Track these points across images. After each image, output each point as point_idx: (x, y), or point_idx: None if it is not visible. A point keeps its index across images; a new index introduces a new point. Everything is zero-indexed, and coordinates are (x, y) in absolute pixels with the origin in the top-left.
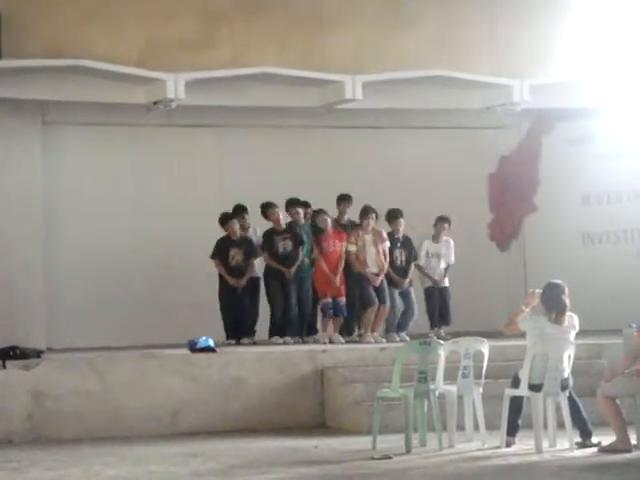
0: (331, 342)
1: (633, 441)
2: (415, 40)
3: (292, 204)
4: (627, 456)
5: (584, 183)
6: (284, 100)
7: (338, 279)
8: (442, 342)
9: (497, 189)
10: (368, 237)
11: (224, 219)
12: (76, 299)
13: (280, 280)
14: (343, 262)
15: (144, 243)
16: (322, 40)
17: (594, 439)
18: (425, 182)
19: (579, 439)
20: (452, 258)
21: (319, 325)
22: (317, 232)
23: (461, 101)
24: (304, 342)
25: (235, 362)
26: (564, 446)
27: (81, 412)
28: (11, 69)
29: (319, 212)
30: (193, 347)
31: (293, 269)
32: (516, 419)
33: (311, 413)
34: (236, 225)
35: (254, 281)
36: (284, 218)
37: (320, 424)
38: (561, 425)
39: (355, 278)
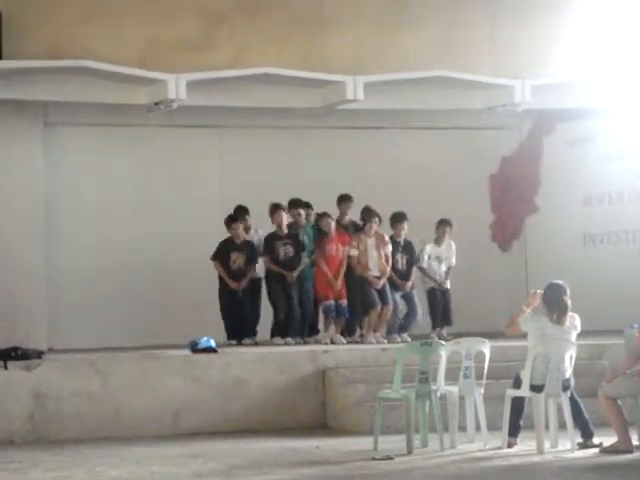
0: (332, 343)
1: (635, 442)
2: (416, 40)
3: (294, 205)
4: (629, 457)
5: (585, 183)
6: (285, 101)
7: (339, 282)
8: (443, 343)
9: (498, 190)
10: (370, 241)
11: (229, 221)
12: (77, 300)
13: (281, 283)
14: (345, 266)
15: (145, 243)
16: (323, 40)
17: (595, 440)
18: (426, 182)
19: (580, 440)
20: (453, 260)
21: (320, 326)
22: (320, 235)
23: (462, 101)
24: (305, 343)
25: (236, 363)
26: (566, 447)
27: (82, 413)
28: (12, 70)
29: (323, 215)
30: (194, 348)
31: (295, 273)
32: (518, 420)
33: (312, 414)
34: (240, 228)
35: (255, 282)
36: (286, 221)
37: (321, 425)
38: (562, 426)
39: (357, 281)
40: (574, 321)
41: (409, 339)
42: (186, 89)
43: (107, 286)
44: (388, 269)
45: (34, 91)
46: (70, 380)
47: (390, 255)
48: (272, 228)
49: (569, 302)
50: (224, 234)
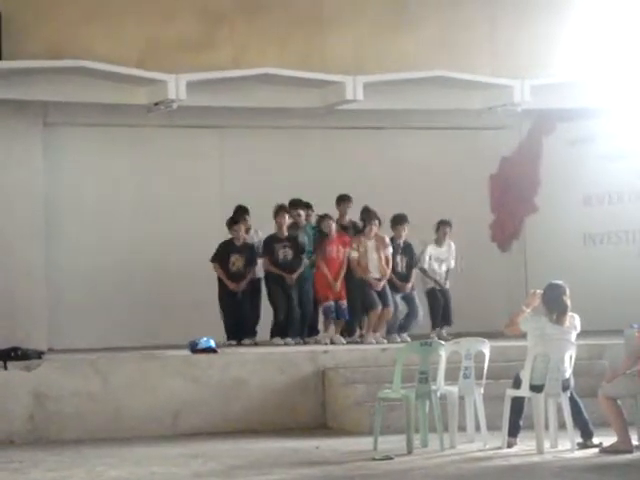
0: (332, 343)
1: (634, 442)
2: (416, 40)
3: (294, 205)
4: (628, 457)
5: (585, 184)
6: (285, 101)
7: (339, 284)
8: (443, 343)
9: (498, 190)
10: (371, 243)
11: (231, 223)
12: (77, 300)
13: (281, 284)
14: (345, 267)
15: (145, 244)
16: (323, 41)
17: (595, 440)
18: (426, 183)
19: (580, 440)
20: (452, 262)
21: (320, 326)
22: (321, 236)
23: (462, 102)
24: (305, 343)
25: (236, 363)
26: (565, 447)
27: (82, 413)
28: (12, 70)
29: (324, 217)
30: (194, 348)
31: (295, 276)
32: (517, 420)
33: (312, 414)
34: (241, 230)
35: (255, 283)
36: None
37: (321, 425)
38: (562, 426)
39: (357, 283)
40: (574, 321)
41: (409, 339)
42: (186, 89)
43: (107, 286)
44: (388, 271)
45: (34, 91)
46: (70, 380)
47: (390, 257)
48: (272, 229)
49: (569, 302)
50: (224, 234)
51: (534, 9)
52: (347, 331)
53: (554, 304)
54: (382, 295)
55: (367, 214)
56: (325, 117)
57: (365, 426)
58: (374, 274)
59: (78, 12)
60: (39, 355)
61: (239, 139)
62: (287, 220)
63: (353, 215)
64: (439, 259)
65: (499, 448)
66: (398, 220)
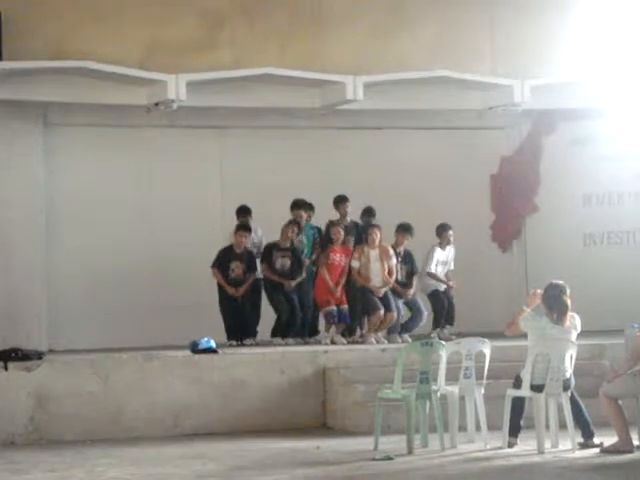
0: (333, 343)
1: (635, 442)
2: (416, 41)
3: (297, 206)
4: (629, 457)
5: (585, 184)
6: (285, 101)
7: (339, 290)
8: (444, 343)
9: (498, 190)
10: (374, 252)
11: (238, 228)
12: (77, 301)
13: (280, 290)
14: (346, 275)
15: (145, 244)
16: (323, 41)
17: (596, 440)
18: (426, 183)
19: (581, 440)
20: (452, 265)
21: (321, 327)
22: (323, 239)
23: (462, 102)
24: (306, 343)
25: (237, 363)
26: (566, 447)
27: (83, 414)
28: (13, 70)
29: (335, 224)
30: (195, 348)
31: (293, 283)
32: (518, 420)
33: (313, 414)
34: (241, 237)
35: (255, 283)
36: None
37: (322, 425)
38: (563, 426)
39: (358, 287)
40: (574, 321)
41: (409, 339)
42: (186, 89)
43: (107, 287)
44: (392, 280)
45: (35, 92)
46: (71, 381)
47: (394, 268)
48: (272, 229)
49: (569, 302)
50: (224, 235)
51: (534, 9)
52: (348, 331)
53: (554, 304)
54: (384, 300)
55: (369, 225)
56: (325, 117)
57: (366, 426)
58: (376, 282)
59: (79, 13)
60: (39, 356)
61: (239, 139)
62: (293, 233)
63: (353, 216)
64: (443, 262)
65: (500, 448)
66: (403, 229)
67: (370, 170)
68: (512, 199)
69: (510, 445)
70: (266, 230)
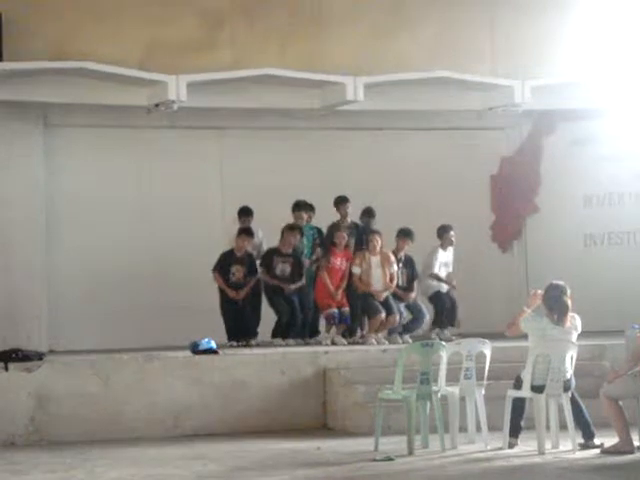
0: (333, 344)
1: (636, 442)
2: (416, 41)
3: (298, 207)
4: (630, 457)
5: (586, 184)
6: (285, 102)
7: (339, 293)
8: (444, 343)
9: (499, 190)
10: (375, 259)
11: (241, 232)
12: (78, 301)
13: (280, 293)
14: (346, 279)
15: (146, 245)
16: (323, 41)
17: (597, 440)
18: (426, 183)
19: (582, 440)
20: (451, 267)
21: (321, 327)
22: (323, 240)
23: (462, 102)
24: (306, 344)
25: (237, 364)
26: (567, 447)
27: (83, 414)
28: (13, 71)
29: (338, 227)
30: (195, 349)
31: (293, 287)
32: (518, 420)
33: (313, 415)
34: (243, 242)
35: (255, 286)
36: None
37: (322, 426)
38: (563, 426)
39: (359, 294)
40: (575, 321)
41: (410, 340)
42: (186, 90)
43: (107, 287)
44: (392, 286)
45: (35, 92)
46: (71, 382)
47: (395, 274)
48: (271, 229)
49: (569, 302)
50: (226, 238)
51: (534, 9)
52: (348, 332)
53: (555, 304)
54: (386, 304)
55: (370, 231)
56: (325, 118)
57: (366, 427)
58: (377, 287)
59: (79, 13)
60: (40, 357)
61: (239, 140)
62: (294, 240)
63: (352, 216)
64: (445, 263)
65: (500, 449)
66: (403, 234)
67: (370, 171)
68: (512, 200)
69: (511, 446)
70: (266, 231)
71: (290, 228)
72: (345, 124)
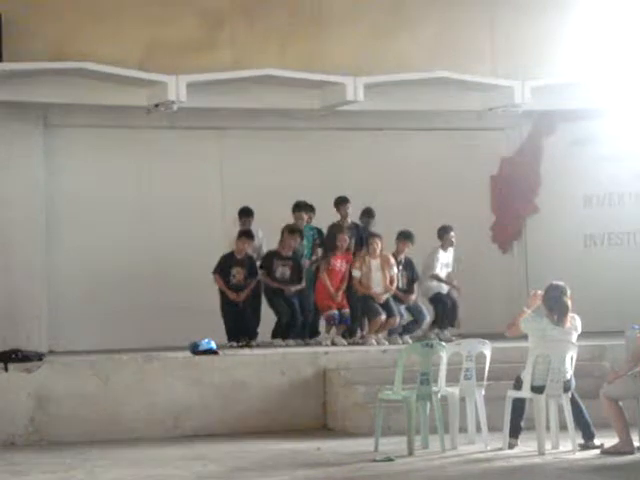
0: (333, 344)
1: (636, 443)
2: (416, 41)
3: (299, 208)
4: (630, 458)
5: (586, 184)
6: (285, 102)
7: (340, 295)
8: (444, 344)
9: (499, 191)
10: (375, 262)
11: (241, 234)
12: (77, 302)
13: (280, 294)
14: (346, 281)
15: (146, 245)
16: (323, 42)
17: (597, 441)
18: (426, 184)
19: (582, 441)
20: (451, 267)
21: (321, 328)
22: (323, 241)
23: (462, 103)
24: (306, 344)
25: (237, 364)
26: (567, 448)
27: (83, 415)
28: (13, 72)
29: (342, 231)
30: (195, 349)
31: (293, 289)
32: (518, 421)
33: (313, 415)
34: (244, 244)
35: (255, 288)
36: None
37: (322, 426)
38: (564, 427)
39: (359, 297)
40: (575, 322)
41: (410, 341)
42: (186, 91)
43: (107, 288)
44: (393, 288)
45: (35, 93)
46: (71, 382)
47: (395, 277)
48: (270, 229)
49: (569, 303)
50: (226, 240)
51: (534, 10)
52: (348, 333)
53: (555, 305)
54: (386, 306)
55: (370, 234)
56: (325, 118)
57: (366, 427)
58: (377, 290)
59: (79, 14)
60: (40, 357)
61: (239, 140)
62: (294, 243)
63: (352, 216)
64: (446, 264)
65: (500, 449)
66: (404, 236)
67: (370, 171)
68: (512, 200)
69: (510, 446)
70: (266, 231)
71: (290, 231)
72: (345, 124)
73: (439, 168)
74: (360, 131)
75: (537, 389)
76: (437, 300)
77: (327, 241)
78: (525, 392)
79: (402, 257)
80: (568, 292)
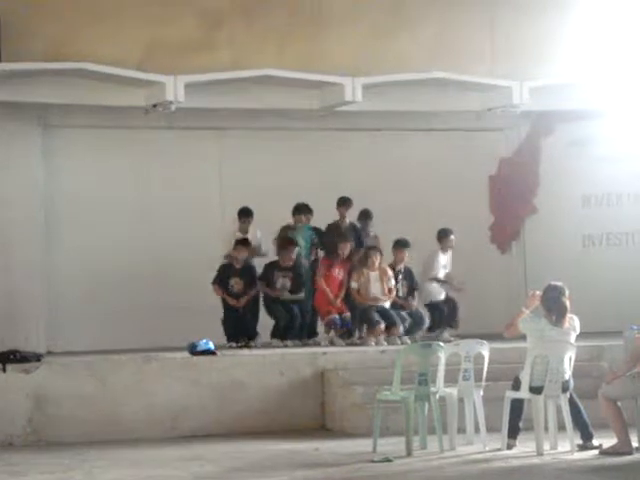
0: (332, 344)
1: (634, 443)
2: (415, 42)
3: (299, 211)
4: (628, 458)
5: (584, 185)
6: (284, 102)
7: (338, 300)
8: (442, 344)
9: (497, 191)
10: (374, 274)
11: (237, 243)
12: (76, 302)
13: (279, 301)
14: (345, 288)
15: (144, 246)
16: (322, 42)
17: (595, 441)
18: (425, 184)
19: (580, 441)
20: (449, 268)
21: (319, 328)
22: (319, 235)
23: (461, 103)
24: (304, 345)
25: (235, 365)
26: (565, 448)
27: (81, 415)
28: (11, 72)
29: (345, 240)
30: (193, 350)
31: (292, 296)
32: (517, 421)
33: (311, 416)
34: (238, 252)
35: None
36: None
37: (320, 427)
38: (562, 427)
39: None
40: (573, 322)
41: (408, 341)
42: (185, 91)
43: (106, 288)
44: (391, 297)
45: (33, 93)
46: (69, 383)
47: (394, 287)
48: (270, 229)
49: (568, 303)
50: (223, 236)
51: (533, 11)
52: (347, 334)
53: (553, 305)
54: (386, 316)
55: (369, 247)
56: (324, 118)
57: (364, 428)
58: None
59: (77, 14)
60: (38, 358)
61: (238, 141)
62: (294, 255)
63: (350, 217)
64: (443, 266)
65: (498, 450)
66: (400, 245)
67: (369, 171)
68: (511, 200)
69: (509, 447)
70: (265, 231)
71: (284, 246)
72: (344, 125)
73: (437, 168)
74: (359, 131)
75: (535, 390)
76: (434, 307)
77: (326, 241)
78: (523, 393)
79: (401, 266)
80: (567, 292)
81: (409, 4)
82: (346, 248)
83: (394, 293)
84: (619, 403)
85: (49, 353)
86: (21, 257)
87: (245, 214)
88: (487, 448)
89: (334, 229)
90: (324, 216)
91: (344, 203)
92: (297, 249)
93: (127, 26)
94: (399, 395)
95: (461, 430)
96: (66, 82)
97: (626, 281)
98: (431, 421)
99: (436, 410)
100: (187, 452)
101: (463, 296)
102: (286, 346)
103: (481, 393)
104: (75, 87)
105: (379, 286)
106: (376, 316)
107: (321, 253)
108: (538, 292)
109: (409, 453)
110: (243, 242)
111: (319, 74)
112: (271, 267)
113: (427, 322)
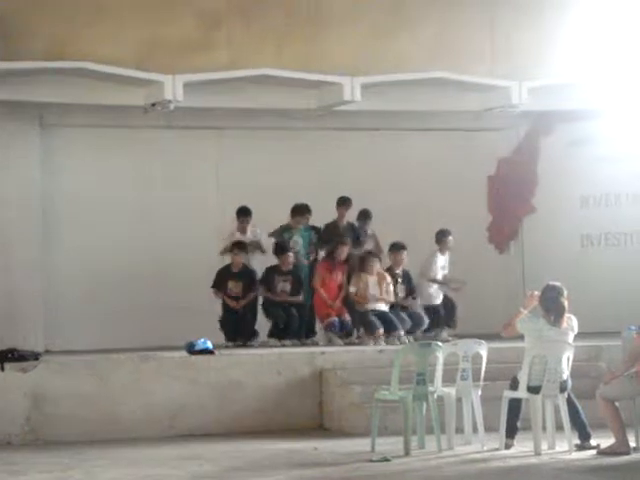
0: (330, 344)
1: (632, 443)
2: (414, 42)
3: (297, 212)
4: (626, 458)
5: (583, 185)
6: (282, 102)
7: (337, 302)
8: (440, 344)
9: (496, 191)
10: (372, 278)
11: (233, 247)
12: (74, 301)
13: (279, 305)
14: (344, 290)
15: (143, 245)
16: (320, 42)
17: (593, 441)
18: (424, 184)
19: (578, 441)
20: (447, 270)
21: (317, 328)
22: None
23: (460, 103)
24: (302, 344)
25: (233, 364)
26: (563, 448)
27: (79, 414)
28: (10, 71)
29: (343, 244)
30: (191, 349)
31: (293, 300)
32: (515, 421)
33: (309, 415)
34: (238, 257)
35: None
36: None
37: (319, 426)
38: (560, 427)
39: (356, 311)
40: (571, 322)
41: (407, 341)
42: (183, 90)
43: (104, 288)
44: (390, 299)
45: (32, 92)
46: (67, 382)
47: (392, 290)
48: (269, 229)
49: (566, 303)
50: (222, 236)
51: (533, 11)
52: (345, 334)
53: (551, 305)
54: (386, 321)
55: (369, 253)
56: (322, 118)
57: (362, 427)
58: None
59: (76, 14)
60: (36, 357)
61: (236, 140)
62: (291, 259)
63: (349, 217)
64: (443, 267)
65: (496, 450)
66: (396, 248)
67: (367, 171)
68: (509, 200)
69: (507, 447)
70: (264, 231)
71: (281, 252)
72: (342, 124)
73: (436, 168)
74: (357, 131)
75: (533, 389)
76: (431, 310)
77: (325, 237)
78: (521, 392)
79: (400, 270)
80: (565, 293)
81: (409, 4)
82: (344, 251)
83: (392, 298)
84: (617, 403)
85: (47, 352)
86: (20, 257)
87: (244, 213)
88: (485, 448)
89: (332, 229)
90: (323, 216)
91: (344, 203)
92: (291, 255)
93: (127, 26)
94: (397, 395)
95: (459, 430)
96: (65, 81)
97: (624, 281)
98: (429, 421)
99: (434, 410)
100: (185, 451)
101: (461, 296)
102: (284, 345)
103: (479, 393)
104: (74, 86)
105: (377, 290)
106: (375, 321)
107: (321, 253)
108: (536, 292)
109: (407, 453)
110: (238, 246)
111: (318, 74)
112: (272, 271)
113: (426, 323)
